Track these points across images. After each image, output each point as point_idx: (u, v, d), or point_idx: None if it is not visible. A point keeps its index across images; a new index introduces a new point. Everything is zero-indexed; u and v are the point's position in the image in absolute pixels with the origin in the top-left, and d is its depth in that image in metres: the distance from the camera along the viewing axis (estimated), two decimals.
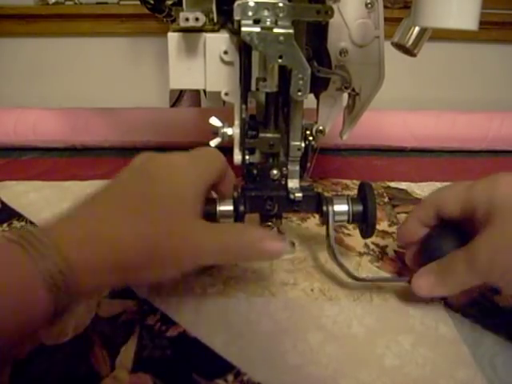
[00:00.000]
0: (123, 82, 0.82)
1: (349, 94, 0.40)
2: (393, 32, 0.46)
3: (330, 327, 0.33)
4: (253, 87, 0.35)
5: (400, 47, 0.46)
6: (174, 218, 0.29)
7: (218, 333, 0.32)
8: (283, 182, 0.37)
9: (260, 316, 0.34)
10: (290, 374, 0.30)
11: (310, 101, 0.37)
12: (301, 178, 0.38)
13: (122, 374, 0.29)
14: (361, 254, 0.42)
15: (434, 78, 0.82)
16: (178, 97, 0.73)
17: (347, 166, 0.61)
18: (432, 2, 0.28)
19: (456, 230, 0.33)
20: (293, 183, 0.37)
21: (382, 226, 0.46)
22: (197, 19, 0.34)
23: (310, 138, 0.38)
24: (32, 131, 0.63)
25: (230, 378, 0.29)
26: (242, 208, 0.36)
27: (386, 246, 0.43)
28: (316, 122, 0.39)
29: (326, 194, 0.38)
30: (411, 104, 0.73)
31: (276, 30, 0.31)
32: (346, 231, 0.45)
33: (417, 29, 0.45)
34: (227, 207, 0.36)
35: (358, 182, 0.38)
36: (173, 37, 0.36)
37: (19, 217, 0.47)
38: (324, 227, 0.37)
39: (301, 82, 0.32)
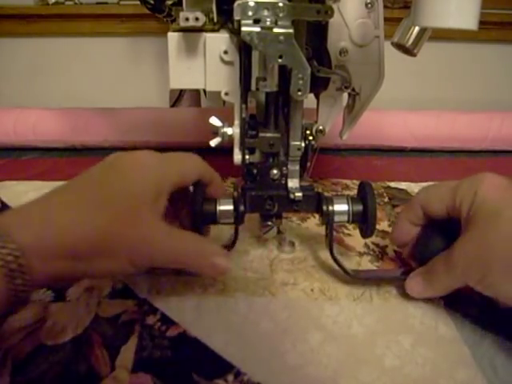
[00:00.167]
0: (123, 82, 0.82)
1: (349, 94, 0.40)
2: (393, 32, 0.46)
3: (330, 327, 0.33)
4: (253, 87, 0.35)
5: (400, 47, 0.46)
6: (130, 211, 0.29)
7: (217, 333, 0.32)
8: (283, 182, 0.37)
9: (260, 316, 0.34)
10: (289, 374, 0.29)
11: (310, 101, 0.37)
12: (301, 177, 0.38)
13: (122, 374, 0.29)
14: (361, 254, 0.42)
15: (434, 78, 0.82)
16: (178, 97, 0.73)
17: (347, 166, 0.61)
18: (432, 2, 0.28)
19: (446, 229, 0.34)
20: (293, 183, 0.37)
21: (382, 225, 0.46)
22: (197, 19, 0.34)
23: (310, 138, 0.38)
24: (32, 131, 0.63)
25: (230, 378, 0.29)
26: (241, 208, 0.36)
27: (386, 246, 0.43)
28: (316, 122, 0.39)
29: (326, 193, 0.38)
30: (411, 104, 0.73)
31: (276, 30, 0.31)
32: (346, 231, 0.45)
33: (417, 29, 0.45)
34: (227, 207, 0.36)
35: (357, 182, 0.38)
36: (173, 37, 0.36)
37: None
38: (324, 227, 0.37)
39: (301, 81, 0.32)
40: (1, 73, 0.81)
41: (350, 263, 0.40)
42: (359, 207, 0.36)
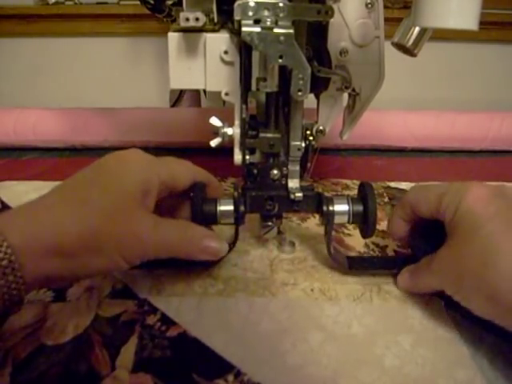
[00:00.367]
0: (123, 82, 0.82)
1: (349, 94, 0.40)
2: (393, 32, 0.46)
3: (330, 327, 0.33)
4: (253, 87, 0.35)
5: (400, 47, 0.46)
6: (120, 207, 0.30)
7: (217, 333, 0.32)
8: (283, 182, 0.37)
9: (260, 316, 0.34)
10: (289, 374, 0.29)
11: (310, 101, 0.37)
12: (301, 177, 0.38)
13: (122, 374, 0.29)
14: (361, 254, 0.42)
15: (434, 78, 0.82)
16: (178, 97, 0.73)
17: (347, 165, 0.61)
18: (432, 2, 0.28)
19: (437, 228, 0.34)
20: (293, 183, 0.37)
21: (382, 226, 0.46)
22: (197, 19, 0.34)
23: (310, 138, 0.38)
24: (32, 131, 0.63)
25: (230, 377, 0.29)
26: (242, 208, 0.36)
27: (386, 246, 0.43)
28: (316, 122, 0.39)
29: (326, 193, 0.38)
30: (411, 104, 0.73)
31: (276, 30, 0.31)
32: (346, 231, 0.45)
33: (417, 29, 0.45)
34: (227, 207, 0.36)
35: (358, 182, 0.38)
36: (173, 37, 0.36)
37: None
38: (324, 227, 0.37)
39: (301, 81, 0.32)
40: (1, 73, 0.81)
41: None
42: (359, 207, 0.36)
